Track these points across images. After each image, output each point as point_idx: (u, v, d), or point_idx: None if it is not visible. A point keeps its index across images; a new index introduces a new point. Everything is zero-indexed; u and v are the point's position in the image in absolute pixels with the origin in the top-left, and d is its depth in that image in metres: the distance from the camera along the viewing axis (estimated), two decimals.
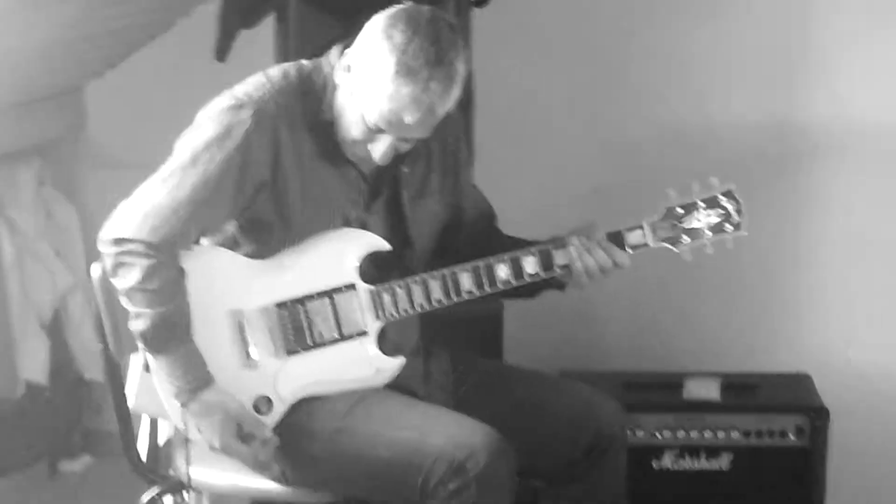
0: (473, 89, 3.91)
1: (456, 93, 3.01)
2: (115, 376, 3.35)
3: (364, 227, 3.19)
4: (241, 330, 3.14)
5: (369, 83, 2.99)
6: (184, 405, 3.06)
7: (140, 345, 3.08)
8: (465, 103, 3.79)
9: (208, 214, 3.08)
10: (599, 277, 3.20)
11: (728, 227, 3.21)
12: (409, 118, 2.98)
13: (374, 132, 3.04)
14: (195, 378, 3.07)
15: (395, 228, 3.24)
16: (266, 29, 3.91)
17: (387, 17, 3.00)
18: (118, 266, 3.05)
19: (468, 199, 3.41)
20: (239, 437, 3.06)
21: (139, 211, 3.05)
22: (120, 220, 3.06)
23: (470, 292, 3.17)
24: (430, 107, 2.97)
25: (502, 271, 3.17)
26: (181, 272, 3.08)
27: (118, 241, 3.04)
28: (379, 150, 3.05)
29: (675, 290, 4.35)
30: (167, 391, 3.08)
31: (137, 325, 3.05)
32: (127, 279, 3.05)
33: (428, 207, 3.30)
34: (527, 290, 3.25)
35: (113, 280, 3.09)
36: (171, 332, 3.06)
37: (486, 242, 3.34)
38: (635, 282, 4.26)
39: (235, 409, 3.07)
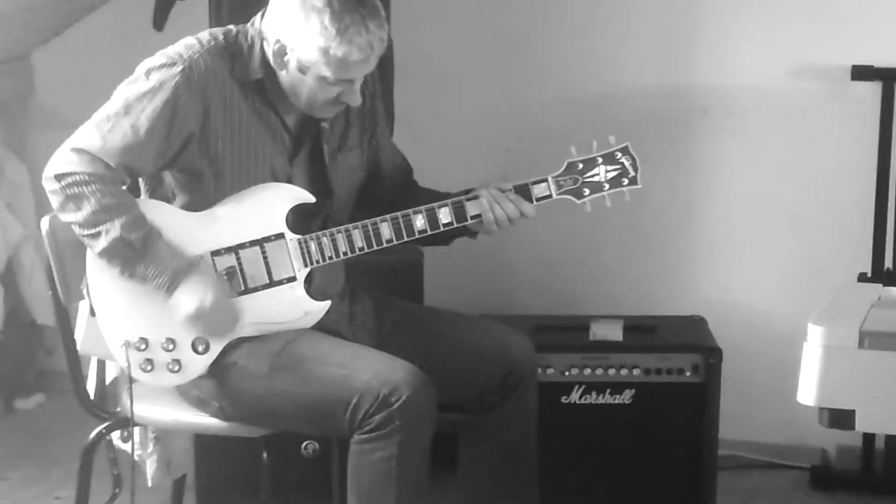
0: (393, 56, 3.90)
1: (383, 15, 3.08)
2: (65, 321, 3.35)
3: (289, 179, 3.21)
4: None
5: (317, 53, 3.02)
6: (170, 289, 3.08)
7: (112, 261, 3.08)
8: (385, 68, 3.79)
9: (137, 159, 3.09)
10: (508, 226, 3.21)
11: (625, 180, 3.24)
12: (363, 63, 3.04)
13: (337, 84, 3.07)
14: (179, 265, 3.07)
15: (317, 180, 3.25)
16: (201, 1, 3.87)
17: None
18: (66, 200, 3.06)
19: (386, 154, 3.43)
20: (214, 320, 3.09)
21: (77, 150, 3.07)
22: (59, 158, 3.08)
23: (389, 241, 3.19)
24: (378, 39, 3.04)
25: (419, 221, 3.18)
26: (126, 195, 3.10)
27: (60, 177, 3.05)
28: (354, 95, 3.11)
29: (582, 241, 4.38)
30: (154, 285, 3.08)
31: (103, 241, 3.05)
32: (78, 209, 3.05)
33: (347, 161, 3.31)
34: (442, 237, 3.27)
35: (64, 216, 3.09)
36: (142, 238, 3.06)
37: (403, 195, 3.38)
38: (545, 233, 4.31)
39: (218, 290, 3.09)
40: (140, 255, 3.05)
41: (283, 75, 3.11)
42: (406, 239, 3.19)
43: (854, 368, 2.74)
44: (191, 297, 3.07)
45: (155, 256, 3.06)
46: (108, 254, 3.06)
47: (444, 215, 3.19)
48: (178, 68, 3.08)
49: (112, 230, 3.03)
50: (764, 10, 4.21)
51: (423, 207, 3.18)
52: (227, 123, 3.13)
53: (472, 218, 3.20)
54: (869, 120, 4.13)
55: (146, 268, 3.07)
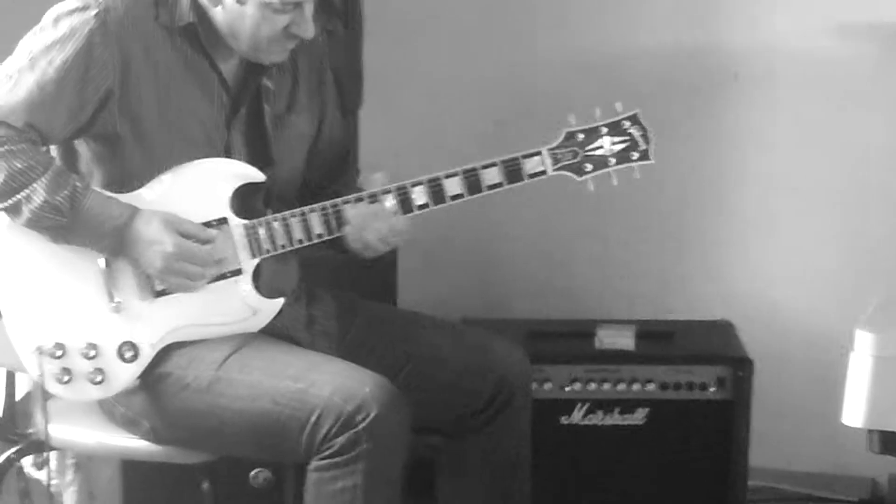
0: (361, 8, 3.92)
1: None
2: None
3: (227, 146, 3.21)
4: (103, 272, 3.12)
5: None
6: (117, 252, 3.07)
7: (40, 230, 3.07)
8: (349, 22, 3.81)
9: (45, 120, 3.07)
10: (379, 247, 3.21)
11: (634, 154, 3.24)
12: None
13: (286, 11, 3.06)
14: (117, 219, 3.06)
15: (257, 148, 3.25)
16: None
17: None
18: None
19: (330, 124, 3.42)
20: (183, 256, 3.06)
21: None
22: None
23: (339, 228, 3.19)
24: None
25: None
26: (42, 152, 3.10)
27: None
28: (305, 23, 3.08)
29: (585, 229, 4.39)
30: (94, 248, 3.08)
31: (27, 211, 3.04)
32: None
33: (295, 126, 3.32)
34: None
35: None
36: (67, 200, 3.04)
37: (330, 180, 3.41)
38: (540, 219, 4.33)
39: (170, 227, 3.06)
40: (72, 217, 3.04)
41: (217, 12, 3.10)
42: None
43: None
44: (149, 250, 3.06)
45: (89, 214, 3.05)
46: (34, 223, 3.05)
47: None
48: (92, 13, 3.07)
49: (34, 196, 3.03)
50: None
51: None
52: (151, 77, 3.12)
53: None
54: None
55: (82, 232, 3.06)
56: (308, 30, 3.10)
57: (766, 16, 4.26)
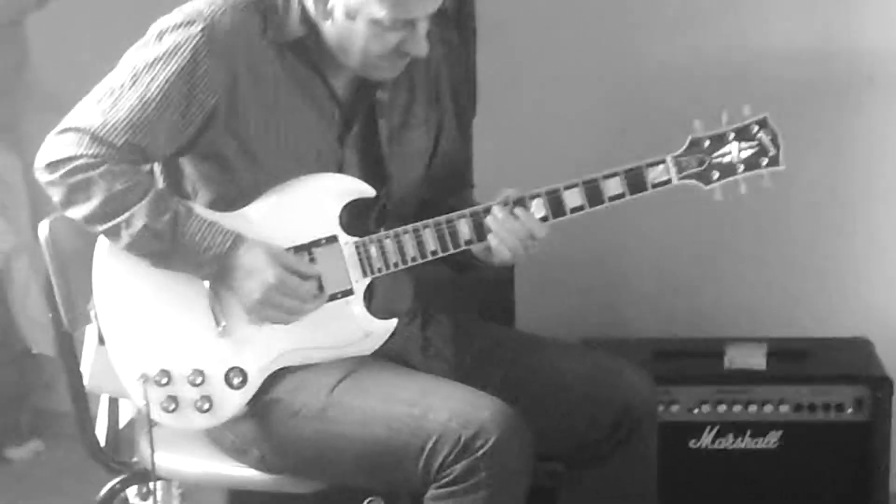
0: (474, 16, 3.94)
1: None
2: (68, 350, 3.36)
3: (340, 163, 3.22)
4: (209, 295, 3.15)
5: None
6: (220, 279, 3.10)
7: (141, 255, 3.10)
8: (463, 31, 3.81)
9: (147, 138, 3.09)
10: (521, 253, 3.19)
11: (763, 160, 3.22)
12: None
13: (398, 30, 3.07)
14: (219, 247, 3.08)
15: (372, 165, 3.26)
16: None
17: None
18: (70, 192, 3.08)
19: (448, 138, 3.42)
20: (283, 289, 3.08)
21: (73, 130, 3.09)
22: (53, 142, 3.10)
23: (469, 242, 3.18)
24: None
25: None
26: (144, 173, 3.13)
27: (55, 165, 3.08)
28: (419, 41, 3.09)
29: (711, 242, 4.37)
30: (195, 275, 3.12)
31: (126, 236, 3.07)
32: (87, 200, 3.07)
33: (412, 141, 3.32)
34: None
35: (70, 211, 3.11)
36: (169, 221, 3.07)
37: (445, 196, 3.39)
38: (665, 235, 4.32)
39: (272, 260, 3.08)
40: (171, 242, 3.07)
41: (327, 27, 3.11)
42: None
43: None
44: (250, 280, 3.08)
45: (191, 240, 3.08)
46: (135, 248, 3.08)
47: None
48: (198, 28, 3.09)
49: (134, 220, 3.05)
50: None
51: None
52: (259, 95, 3.13)
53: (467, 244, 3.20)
54: None
55: (183, 258, 3.09)
56: (421, 48, 3.10)
57: None
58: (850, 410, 3.73)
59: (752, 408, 3.76)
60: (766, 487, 3.78)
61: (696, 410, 3.76)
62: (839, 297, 4.36)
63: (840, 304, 4.33)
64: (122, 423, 3.43)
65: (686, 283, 4.45)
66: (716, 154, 3.20)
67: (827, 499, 3.78)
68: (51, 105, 3.38)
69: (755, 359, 3.82)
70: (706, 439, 3.76)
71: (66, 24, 4.78)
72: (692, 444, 3.76)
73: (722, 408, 3.76)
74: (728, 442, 3.77)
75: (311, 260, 3.13)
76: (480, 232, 3.16)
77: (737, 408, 3.76)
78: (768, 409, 3.75)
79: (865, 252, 4.36)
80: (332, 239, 3.15)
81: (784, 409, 3.75)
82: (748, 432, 3.76)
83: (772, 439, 3.76)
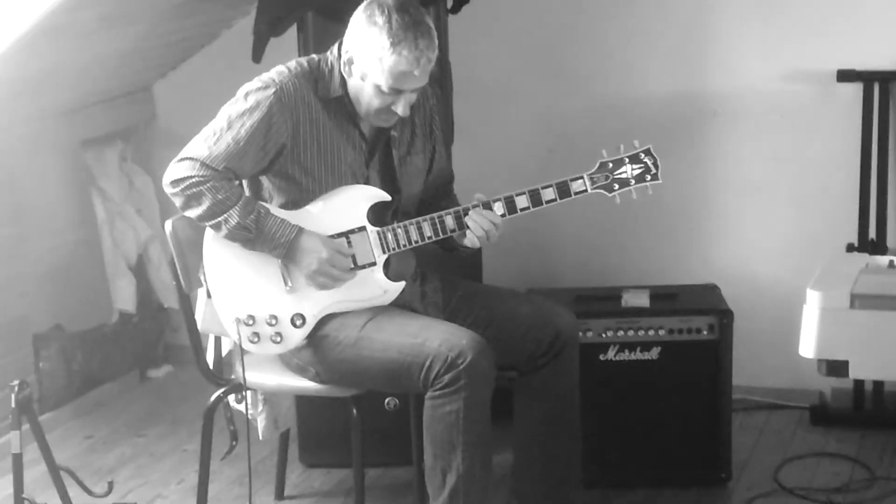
0: (451, 75, 3.90)
1: (436, 41, 3.07)
2: (187, 304, 3.37)
3: (366, 180, 3.22)
4: (280, 266, 3.16)
5: (374, 61, 3.04)
6: (287, 257, 3.11)
7: (235, 242, 3.12)
8: (444, 86, 3.80)
9: (238, 165, 3.11)
10: (487, 237, 3.18)
11: (648, 177, 3.24)
12: (415, 71, 3.04)
13: (392, 95, 3.07)
14: (286, 237, 3.10)
15: (388, 180, 3.26)
16: (290, 37, 3.89)
17: (362, 11, 3.08)
18: (188, 200, 3.10)
19: (438, 161, 3.41)
20: (331, 263, 3.09)
21: (189, 158, 3.10)
22: (175, 167, 3.12)
23: (453, 230, 3.19)
24: (426, 58, 3.04)
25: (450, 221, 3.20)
26: (236, 186, 3.13)
27: (177, 182, 3.10)
28: (402, 106, 3.09)
29: (614, 224, 4.35)
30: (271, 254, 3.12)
31: (226, 229, 3.09)
32: (199, 207, 3.09)
33: (414, 164, 3.32)
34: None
35: (188, 213, 3.13)
36: (253, 222, 3.09)
37: (439, 199, 3.38)
38: (583, 219, 4.32)
39: (323, 244, 3.10)
40: (256, 233, 3.09)
41: (350, 83, 3.13)
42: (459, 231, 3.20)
43: (847, 326, 2.72)
44: (306, 257, 3.09)
45: (268, 232, 3.10)
46: (231, 236, 3.10)
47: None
48: (272, 90, 3.11)
49: (230, 218, 3.07)
50: (763, 23, 4.16)
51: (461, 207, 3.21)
52: (313, 135, 3.15)
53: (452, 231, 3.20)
54: (853, 116, 4.09)
55: (263, 243, 3.10)
56: (403, 111, 3.10)
57: (737, 67, 4.21)
58: (705, 332, 3.70)
59: (640, 332, 3.72)
60: (651, 385, 3.73)
61: (603, 335, 3.72)
62: (697, 258, 4.35)
63: (697, 263, 4.32)
64: (223, 352, 3.44)
65: (596, 251, 4.44)
66: (616, 172, 3.22)
67: (692, 390, 3.73)
68: (171, 142, 3.39)
69: (642, 300, 3.80)
70: (610, 354, 3.72)
71: (182, 87, 4.80)
72: (601, 357, 3.71)
73: (620, 333, 3.72)
74: (625, 355, 3.73)
75: (348, 243, 3.15)
76: (461, 224, 3.17)
77: (630, 332, 3.72)
78: (651, 333, 3.72)
79: (714, 229, 4.36)
80: (362, 228, 3.16)
81: (662, 332, 3.72)
82: (638, 348, 3.72)
83: (654, 353, 3.72)
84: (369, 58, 3.04)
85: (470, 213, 3.17)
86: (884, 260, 3.01)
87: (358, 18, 3.08)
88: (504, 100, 4.44)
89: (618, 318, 3.74)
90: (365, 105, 3.13)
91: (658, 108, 4.28)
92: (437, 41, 3.08)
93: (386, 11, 3.02)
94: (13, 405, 3.41)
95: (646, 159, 3.23)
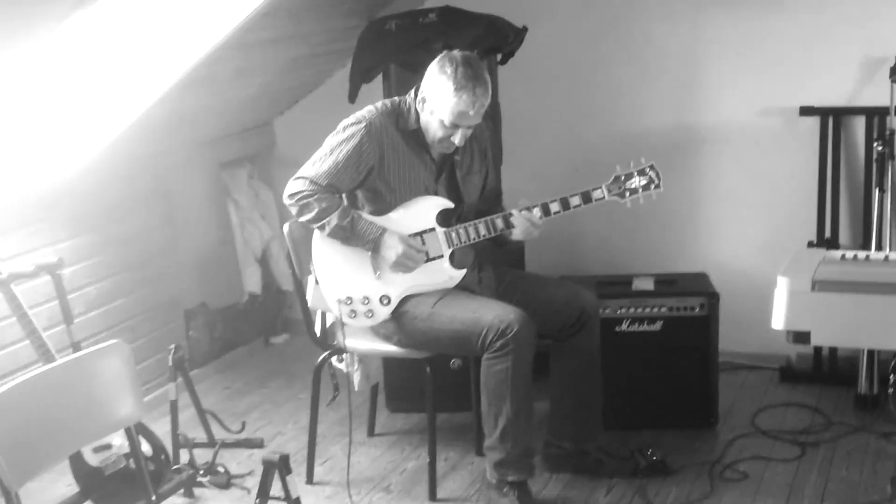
0: (499, 111, 3.89)
1: (490, 91, 3.07)
2: (300, 288, 3.39)
3: (436, 193, 3.23)
4: (371, 258, 3.17)
5: (442, 102, 3.05)
6: (375, 250, 3.12)
7: (336, 239, 3.13)
8: (495, 121, 3.80)
9: (338, 183, 3.13)
10: (532, 232, 3.18)
11: (652, 186, 3.24)
12: (471, 112, 3.05)
13: (451, 129, 3.08)
14: (374, 235, 3.11)
15: (453, 193, 3.26)
16: (377, 83, 3.90)
17: (437, 62, 3.09)
18: (301, 209, 3.13)
19: (490, 180, 3.41)
20: (406, 256, 3.10)
21: (302, 178, 3.13)
22: (292, 185, 3.15)
23: (502, 229, 3.19)
24: (481, 103, 3.05)
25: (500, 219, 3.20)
26: (336, 197, 3.14)
27: (293, 195, 3.13)
28: (459, 137, 3.10)
29: (626, 225, 4.31)
30: (363, 248, 3.12)
31: (328, 229, 3.11)
32: (309, 213, 3.12)
33: (472, 181, 3.32)
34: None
35: (301, 219, 3.15)
36: (349, 223, 3.10)
37: (492, 206, 3.37)
38: (602, 221, 4.30)
39: (402, 240, 3.10)
40: (351, 232, 3.11)
41: (423, 117, 3.13)
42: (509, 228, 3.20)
43: (809, 304, 2.71)
44: (389, 250, 3.10)
45: (360, 232, 3.11)
46: (333, 235, 3.12)
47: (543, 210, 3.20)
48: (363, 125, 3.13)
49: (332, 221, 3.10)
50: (740, 70, 4.11)
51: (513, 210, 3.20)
52: (395, 159, 3.16)
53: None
54: (812, 142, 4.03)
55: (357, 240, 3.12)
56: (459, 141, 3.11)
57: (722, 103, 4.15)
58: (697, 310, 3.66)
59: (647, 310, 3.69)
60: (655, 350, 3.69)
61: (618, 311, 3.68)
62: (691, 251, 4.30)
63: (692, 255, 4.28)
64: (328, 324, 3.44)
65: (612, 246, 4.41)
66: (627, 183, 3.21)
67: (686, 355, 3.68)
68: (288, 164, 3.42)
69: (648, 284, 3.78)
70: (624, 326, 3.69)
71: (296, 122, 4.81)
72: (617, 329, 3.68)
73: (631, 310, 3.68)
74: (635, 327, 3.69)
75: (422, 240, 3.16)
76: (508, 224, 3.18)
77: (639, 310, 3.69)
78: (655, 310, 3.68)
79: (704, 229, 4.30)
80: (433, 229, 3.18)
81: (663, 310, 3.68)
82: (645, 322, 3.69)
83: (657, 326, 3.68)
84: (438, 98, 3.05)
85: (514, 214, 3.16)
86: (837, 254, 3.00)
87: (433, 67, 3.08)
88: (540, 130, 4.42)
89: (629, 299, 3.71)
90: (431, 134, 3.14)
91: (660, 135, 4.24)
92: (490, 90, 3.08)
93: (455, 64, 3.03)
94: (170, 363, 3.48)
95: (650, 173, 3.21)
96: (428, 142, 3.17)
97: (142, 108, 3.49)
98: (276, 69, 4.24)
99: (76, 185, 3.72)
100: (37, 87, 3.01)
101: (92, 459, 3.11)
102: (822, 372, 4.11)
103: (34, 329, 3.06)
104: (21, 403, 2.24)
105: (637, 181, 3.20)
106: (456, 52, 3.07)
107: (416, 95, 3.15)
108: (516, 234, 3.19)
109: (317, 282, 3.23)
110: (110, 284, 4.02)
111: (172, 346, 3.51)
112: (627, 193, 3.20)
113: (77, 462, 3.11)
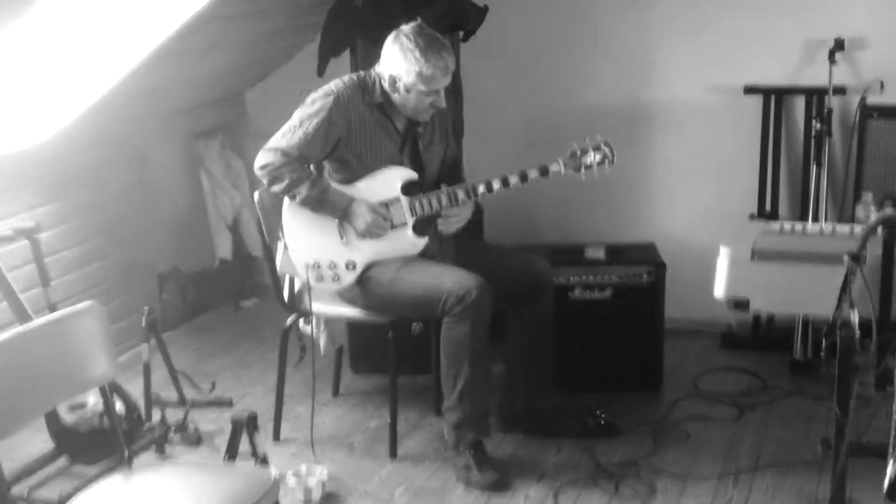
0: (461, 87, 3.88)
1: (451, 49, 3.07)
2: (269, 253, 3.36)
3: (400, 163, 3.21)
4: (337, 225, 3.16)
5: (414, 75, 3.04)
6: (343, 218, 3.11)
7: (305, 207, 3.10)
8: (456, 96, 3.78)
9: (307, 154, 3.11)
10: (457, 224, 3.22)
11: (607, 161, 3.23)
12: (444, 77, 3.05)
13: (430, 95, 3.06)
14: (343, 204, 3.10)
15: (415, 163, 3.25)
16: (345, 57, 3.88)
17: (392, 43, 3.06)
18: (272, 180, 3.11)
19: (450, 150, 3.40)
20: (374, 224, 3.10)
21: (273, 149, 3.10)
22: (262, 155, 3.12)
23: (463, 201, 3.18)
24: (451, 65, 3.06)
25: (480, 188, 3.19)
26: (306, 168, 3.12)
27: (264, 167, 3.11)
28: (440, 100, 3.10)
29: (580, 197, 4.29)
30: (331, 216, 3.11)
31: (299, 198, 3.09)
32: (280, 183, 3.10)
33: (434, 152, 3.31)
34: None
35: (272, 188, 3.13)
36: (319, 193, 3.08)
37: (451, 177, 3.37)
38: (558, 194, 4.29)
39: (369, 209, 3.10)
40: (320, 201, 3.09)
41: (395, 97, 3.11)
42: (470, 199, 3.20)
43: (749, 273, 2.74)
44: (358, 219, 3.10)
45: (329, 201, 3.10)
46: (303, 204, 3.09)
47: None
48: (331, 98, 3.10)
49: (303, 190, 3.07)
50: (688, 49, 4.12)
51: (472, 182, 3.20)
52: (361, 130, 3.14)
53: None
54: (755, 119, 4.06)
55: (325, 208, 3.10)
56: (442, 103, 3.11)
57: (671, 81, 4.17)
58: (645, 278, 3.69)
59: (598, 277, 3.70)
60: (605, 316, 3.71)
61: (570, 279, 3.70)
62: (642, 223, 4.32)
63: (642, 226, 4.29)
64: (296, 289, 3.43)
65: (567, 216, 4.42)
66: (583, 158, 3.21)
67: (634, 321, 3.70)
68: (259, 135, 3.39)
69: (599, 253, 3.78)
70: (576, 293, 3.70)
71: (266, 94, 4.77)
72: (569, 295, 3.70)
73: (584, 277, 3.70)
74: (587, 295, 3.70)
75: (387, 208, 3.16)
76: (468, 195, 3.18)
77: (591, 277, 3.70)
78: (605, 278, 3.70)
79: (653, 201, 4.32)
80: (397, 199, 3.16)
81: (614, 278, 3.70)
82: (596, 289, 3.70)
83: (607, 293, 3.70)
84: (410, 73, 3.03)
85: (476, 187, 3.15)
86: (776, 225, 3.02)
87: (391, 48, 3.05)
88: (501, 105, 4.41)
89: (582, 267, 3.73)
90: (412, 108, 3.11)
91: (614, 111, 4.24)
92: (451, 48, 3.07)
93: (411, 38, 3.01)
94: (143, 325, 3.46)
95: (605, 148, 3.22)
96: (404, 115, 3.15)
97: (117, 77, 3.45)
98: (248, 43, 4.19)
99: (53, 152, 3.67)
100: (16, 55, 2.96)
101: (67, 417, 3.09)
102: (760, 338, 4.16)
103: (12, 291, 3.03)
104: None
105: (592, 156, 3.20)
106: (405, 27, 3.05)
107: (378, 67, 3.12)
108: (475, 205, 3.19)
109: (286, 248, 3.22)
110: (86, 248, 3.98)
111: (146, 308, 3.48)
112: (583, 168, 3.20)
113: (52, 419, 3.09)
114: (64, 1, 2.80)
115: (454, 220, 3.18)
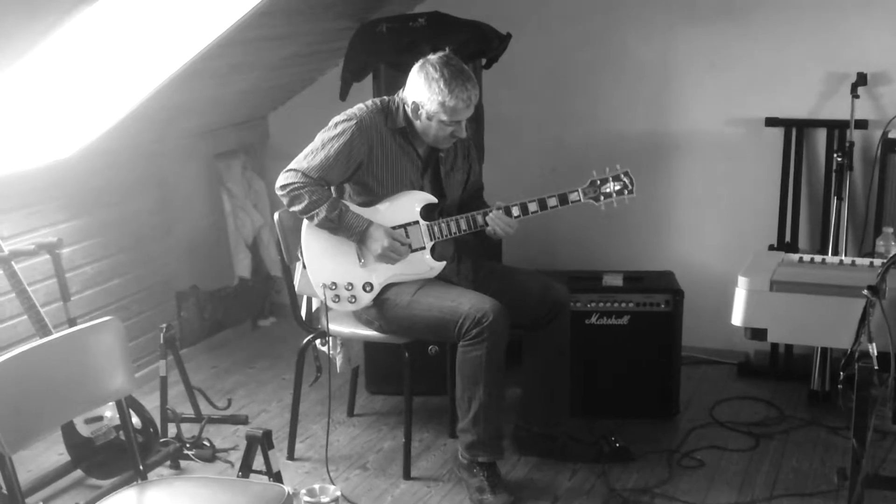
0: (483, 113, 3.89)
1: (475, 81, 3.08)
2: (288, 273, 3.38)
3: (421, 188, 3.22)
4: (356, 248, 3.17)
5: (438, 105, 3.05)
6: (360, 242, 3.11)
7: (324, 229, 3.11)
8: (478, 122, 3.80)
9: (328, 176, 3.12)
10: (503, 233, 3.17)
11: (626, 192, 3.24)
12: (466, 109, 3.07)
13: (451, 125, 3.07)
14: (361, 227, 3.10)
15: (436, 189, 3.26)
16: (367, 82, 3.90)
17: (418, 71, 3.08)
18: (292, 200, 3.11)
19: (473, 175, 3.41)
20: (391, 249, 3.09)
21: (293, 170, 3.12)
22: (284, 176, 3.13)
23: (482, 226, 3.18)
24: (474, 98, 3.07)
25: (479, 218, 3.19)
26: (326, 190, 3.13)
27: (284, 187, 3.12)
28: (461, 131, 3.11)
29: (599, 226, 4.29)
30: (350, 239, 3.11)
31: (317, 219, 3.09)
32: (300, 204, 3.11)
33: (455, 177, 3.32)
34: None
35: (291, 209, 3.14)
36: (338, 215, 3.08)
37: (475, 202, 3.36)
38: (577, 222, 4.29)
39: (387, 234, 3.10)
40: (339, 223, 3.09)
41: (417, 123, 3.12)
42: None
43: (767, 303, 2.73)
44: (375, 243, 3.10)
45: (348, 223, 3.10)
46: (321, 225, 3.10)
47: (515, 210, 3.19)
48: (354, 122, 3.12)
49: (321, 213, 3.08)
50: (711, 83, 4.13)
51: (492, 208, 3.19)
52: (383, 154, 3.15)
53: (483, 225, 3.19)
54: (776, 151, 4.05)
55: (344, 231, 3.11)
56: (462, 134, 3.13)
57: (694, 113, 4.16)
58: (662, 306, 3.68)
59: (615, 304, 3.70)
60: (622, 343, 3.70)
61: (589, 305, 3.70)
62: (659, 251, 4.31)
63: (660, 255, 4.29)
64: (313, 309, 3.45)
65: (585, 244, 4.41)
66: (602, 187, 3.21)
67: (651, 348, 3.70)
68: (281, 156, 3.41)
69: (617, 281, 3.78)
70: (593, 319, 3.70)
71: (289, 117, 4.80)
72: (586, 321, 3.69)
73: (601, 304, 3.69)
74: (604, 321, 3.70)
75: (406, 233, 3.16)
76: (486, 221, 3.17)
77: (608, 304, 3.70)
78: (623, 305, 3.69)
79: (672, 231, 4.31)
80: (416, 222, 3.17)
81: (631, 305, 3.69)
82: (613, 316, 3.70)
83: (625, 320, 3.69)
84: (433, 103, 3.04)
85: (489, 215, 3.16)
86: (795, 257, 3.01)
87: (417, 77, 3.07)
88: (521, 132, 4.42)
89: (599, 294, 3.72)
90: (432, 136, 3.12)
91: (635, 141, 4.25)
92: (475, 80, 3.09)
93: (437, 68, 3.03)
94: (161, 342, 3.47)
95: (625, 178, 3.22)
96: (426, 142, 3.16)
97: (141, 97, 3.48)
98: (271, 66, 4.23)
99: (77, 169, 3.70)
100: (43, 73, 2.99)
101: (83, 430, 3.10)
102: (777, 368, 4.13)
103: (33, 304, 3.06)
104: (18, 374, 2.23)
105: (612, 186, 3.20)
106: (432, 57, 3.07)
107: (402, 92, 3.14)
108: (496, 232, 3.18)
109: (304, 267, 3.23)
110: (106, 265, 4.00)
111: (164, 325, 3.50)
112: (602, 197, 3.20)
113: (69, 432, 3.10)
114: (90, 20, 2.83)
115: (502, 225, 3.16)
